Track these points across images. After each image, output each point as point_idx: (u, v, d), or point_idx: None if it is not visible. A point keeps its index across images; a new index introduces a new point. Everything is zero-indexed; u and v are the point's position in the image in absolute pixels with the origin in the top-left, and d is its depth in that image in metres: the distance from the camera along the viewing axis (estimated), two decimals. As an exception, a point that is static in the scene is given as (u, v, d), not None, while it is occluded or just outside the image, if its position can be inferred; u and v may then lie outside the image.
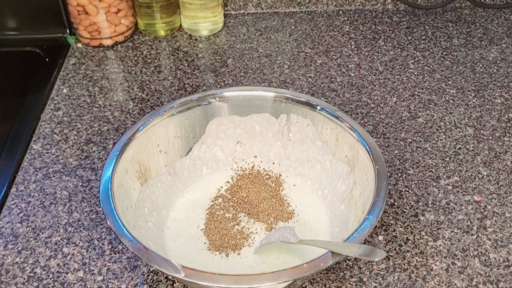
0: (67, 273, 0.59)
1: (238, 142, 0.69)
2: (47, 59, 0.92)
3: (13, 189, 0.69)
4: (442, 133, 0.76)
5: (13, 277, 0.59)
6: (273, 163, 0.69)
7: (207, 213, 0.64)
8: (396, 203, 0.66)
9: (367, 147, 0.59)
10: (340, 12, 1.01)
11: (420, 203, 0.66)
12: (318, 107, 0.65)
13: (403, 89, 0.83)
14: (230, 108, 0.67)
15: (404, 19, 0.99)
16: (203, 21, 0.95)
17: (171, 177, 0.66)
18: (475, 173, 0.70)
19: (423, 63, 0.89)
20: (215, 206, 0.65)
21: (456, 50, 0.91)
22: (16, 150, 0.74)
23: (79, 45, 0.94)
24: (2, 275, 0.59)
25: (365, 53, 0.91)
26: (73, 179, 0.70)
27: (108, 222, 0.53)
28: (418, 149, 0.73)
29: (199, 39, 0.95)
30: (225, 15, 1.01)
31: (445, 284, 0.58)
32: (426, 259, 0.60)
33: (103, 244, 0.62)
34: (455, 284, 0.58)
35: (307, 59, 0.90)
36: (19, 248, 0.62)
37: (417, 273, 0.59)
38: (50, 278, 0.59)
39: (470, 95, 0.82)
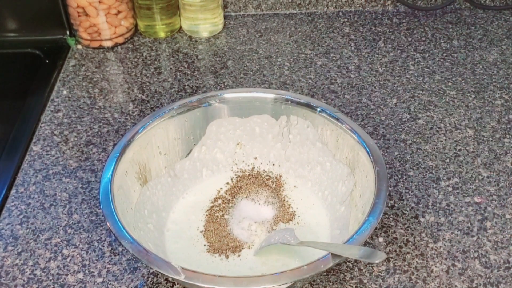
0: (67, 275, 0.59)
1: (238, 144, 0.69)
2: (47, 61, 0.92)
3: (13, 191, 0.69)
4: (442, 135, 0.76)
5: (13, 279, 0.59)
6: (273, 164, 0.69)
7: (207, 215, 0.64)
8: (396, 205, 0.66)
9: (367, 148, 0.59)
10: (340, 13, 1.01)
11: (420, 205, 0.66)
12: (318, 109, 0.65)
13: (403, 90, 0.83)
14: (230, 110, 0.67)
15: (404, 21, 0.99)
16: (203, 22, 0.95)
17: (171, 179, 0.66)
18: (475, 174, 0.70)
19: (423, 64, 0.89)
20: (215, 207, 0.65)
21: (456, 52, 0.91)
22: (16, 152, 0.74)
23: (79, 46, 0.94)
24: (2, 277, 0.59)
25: (365, 54, 0.91)
26: (73, 180, 0.70)
27: (108, 224, 0.53)
28: (418, 150, 0.73)
29: (199, 40, 0.95)
30: (225, 17, 1.01)
31: (446, 286, 0.58)
32: (427, 261, 0.60)
33: (103, 246, 0.62)
34: (456, 286, 0.58)
35: (307, 60, 0.90)
36: (19, 250, 0.62)
37: (417, 275, 0.59)
38: (50, 280, 0.59)
39: (470, 96, 0.82)
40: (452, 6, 1.02)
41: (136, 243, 0.51)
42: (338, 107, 0.80)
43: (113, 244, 0.62)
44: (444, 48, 0.92)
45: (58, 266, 0.60)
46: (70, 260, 0.61)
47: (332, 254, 0.50)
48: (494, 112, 0.79)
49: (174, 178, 0.66)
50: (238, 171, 0.69)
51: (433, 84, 0.85)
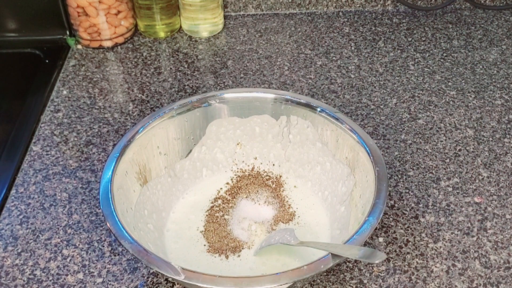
0: (67, 275, 0.59)
1: (238, 144, 0.69)
2: (47, 61, 0.92)
3: (13, 191, 0.69)
4: (442, 135, 0.76)
5: (13, 279, 0.59)
6: (273, 164, 0.69)
7: (207, 215, 0.64)
8: (396, 205, 0.66)
9: (367, 148, 0.59)
10: (340, 13, 1.01)
11: (421, 205, 0.66)
12: (318, 109, 0.65)
13: (403, 90, 0.83)
14: (230, 110, 0.67)
15: (404, 21, 0.99)
16: (203, 22, 0.95)
17: (171, 179, 0.66)
18: (475, 174, 0.70)
19: (423, 64, 0.89)
20: (215, 207, 0.65)
21: (456, 52, 0.91)
22: (16, 152, 0.74)
23: (79, 46, 0.94)
24: (2, 277, 0.59)
25: (365, 54, 0.91)
26: (73, 181, 0.70)
27: (108, 224, 0.53)
28: (418, 150, 0.73)
29: (199, 40, 0.95)
30: (225, 17, 1.01)
31: (446, 286, 0.58)
32: (427, 261, 0.60)
33: (103, 246, 0.62)
34: (456, 286, 0.58)
35: (307, 60, 0.90)
36: (19, 250, 0.62)
37: (417, 275, 0.59)
38: (50, 280, 0.59)
39: (470, 96, 0.82)
40: (452, 6, 1.02)
41: (136, 243, 0.51)
42: (338, 107, 0.80)
43: (113, 244, 0.62)
44: (444, 48, 0.92)
45: (58, 266, 0.60)
46: (70, 260, 0.61)
47: (332, 254, 0.49)
48: (494, 112, 0.79)
49: (174, 178, 0.66)
50: (238, 171, 0.69)
51: (433, 84, 0.85)
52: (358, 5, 1.02)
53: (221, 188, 0.67)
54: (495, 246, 0.61)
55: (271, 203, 0.65)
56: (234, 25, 0.99)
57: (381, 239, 0.62)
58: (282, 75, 0.87)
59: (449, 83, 0.85)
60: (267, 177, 0.68)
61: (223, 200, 0.66)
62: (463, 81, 0.85)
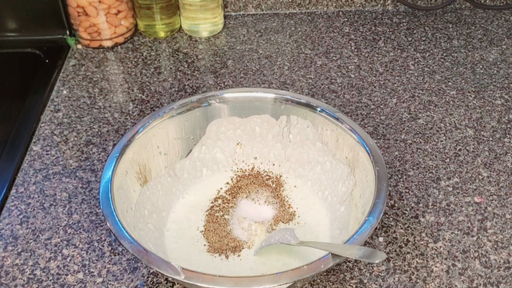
0: (67, 275, 0.59)
1: (238, 144, 0.69)
2: (47, 61, 0.92)
3: (13, 191, 0.69)
4: (442, 134, 0.76)
5: (13, 279, 0.59)
6: (273, 164, 0.69)
7: (207, 215, 0.64)
8: (396, 205, 0.66)
9: (367, 148, 0.59)
10: (340, 13, 1.01)
11: (421, 205, 0.66)
12: (318, 109, 0.65)
13: (403, 90, 0.83)
14: (230, 110, 0.67)
15: (404, 20, 0.99)
16: (203, 22, 0.95)
17: (171, 179, 0.66)
18: (476, 174, 0.70)
19: (423, 64, 0.89)
20: (215, 207, 0.65)
21: (456, 51, 0.91)
22: (16, 152, 0.74)
23: (79, 46, 0.94)
24: (2, 277, 0.59)
25: (365, 54, 0.91)
26: (73, 180, 0.70)
27: (108, 224, 0.53)
28: (418, 150, 0.73)
29: (199, 40, 0.95)
30: (225, 17, 1.01)
31: (446, 286, 0.58)
32: (427, 261, 0.60)
33: (103, 246, 0.62)
34: (456, 285, 0.58)
35: (307, 60, 0.90)
36: (19, 250, 0.62)
37: (417, 274, 0.59)
38: (50, 280, 0.59)
39: (470, 96, 0.82)
40: (452, 5, 1.02)
41: (136, 243, 0.51)
42: (338, 107, 0.80)
43: (113, 244, 0.62)
44: (444, 48, 0.92)
45: (58, 266, 0.60)
46: (70, 260, 0.61)
47: (332, 254, 0.50)
48: (494, 112, 0.79)
49: (174, 178, 0.66)
50: (238, 171, 0.69)
51: (433, 84, 0.85)
52: (358, 5, 1.02)
53: (221, 188, 0.67)
54: (495, 246, 0.61)
55: (271, 203, 0.65)
56: (234, 25, 0.99)
57: (381, 239, 0.62)
58: (282, 75, 0.87)
59: (449, 83, 0.85)
60: (267, 177, 0.68)
61: (223, 200, 0.66)
62: (463, 81, 0.85)
